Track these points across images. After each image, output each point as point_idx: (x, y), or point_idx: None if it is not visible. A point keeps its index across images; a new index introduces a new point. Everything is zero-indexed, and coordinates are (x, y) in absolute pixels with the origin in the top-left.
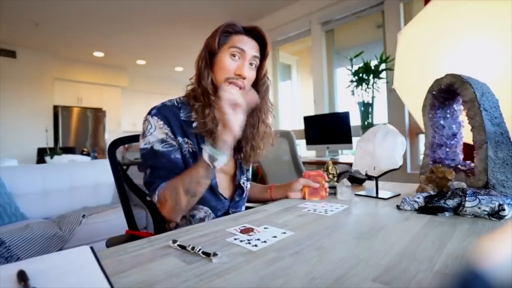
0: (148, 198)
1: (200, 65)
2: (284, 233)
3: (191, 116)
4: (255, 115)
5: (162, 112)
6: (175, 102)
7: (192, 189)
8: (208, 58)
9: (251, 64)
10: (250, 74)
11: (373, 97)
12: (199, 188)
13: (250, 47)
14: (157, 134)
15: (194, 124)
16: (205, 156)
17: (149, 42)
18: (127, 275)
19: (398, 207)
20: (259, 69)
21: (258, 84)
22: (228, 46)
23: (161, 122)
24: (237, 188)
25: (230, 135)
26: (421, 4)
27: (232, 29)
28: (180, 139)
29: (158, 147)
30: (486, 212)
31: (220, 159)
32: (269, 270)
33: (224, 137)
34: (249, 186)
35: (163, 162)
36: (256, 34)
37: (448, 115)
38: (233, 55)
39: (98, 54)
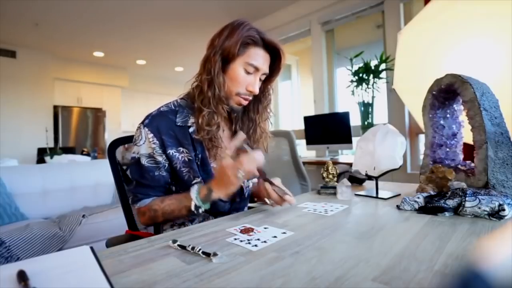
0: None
1: (212, 70)
2: (284, 233)
3: (188, 120)
4: (253, 118)
5: (156, 122)
6: (172, 106)
7: (170, 218)
8: (221, 64)
9: (260, 79)
10: (258, 89)
11: (373, 97)
12: (177, 218)
13: (263, 63)
14: (146, 148)
15: (191, 130)
16: (192, 204)
17: (149, 42)
18: (127, 275)
19: (398, 207)
20: (268, 82)
21: (263, 95)
22: (244, 60)
23: (151, 135)
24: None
25: (223, 194)
26: (421, 4)
27: (251, 40)
28: (171, 151)
29: (144, 161)
30: (486, 212)
31: (204, 208)
32: (269, 270)
33: (216, 194)
34: (251, 185)
35: (147, 178)
36: (272, 48)
37: (448, 115)
38: (247, 71)
39: (98, 54)
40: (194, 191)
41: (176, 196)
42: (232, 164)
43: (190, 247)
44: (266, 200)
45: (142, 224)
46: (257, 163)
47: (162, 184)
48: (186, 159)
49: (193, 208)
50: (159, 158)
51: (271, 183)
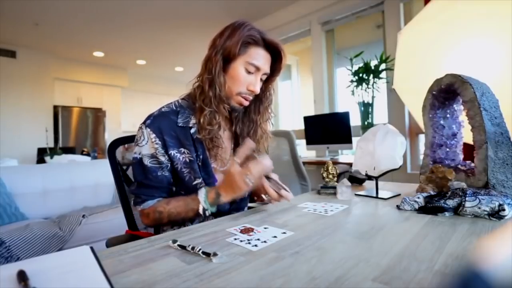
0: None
1: (213, 69)
2: (284, 233)
3: (189, 121)
4: (254, 118)
5: (157, 122)
6: (173, 106)
7: (175, 220)
8: (222, 63)
9: (260, 79)
10: (259, 89)
11: (373, 97)
12: (182, 221)
13: (264, 63)
14: (148, 148)
15: (193, 130)
16: (200, 207)
17: (149, 42)
18: (127, 275)
19: (398, 207)
20: (269, 82)
21: (264, 96)
22: (245, 59)
23: (153, 135)
24: None
25: (231, 198)
26: (421, 4)
27: (252, 39)
28: (173, 152)
29: (146, 161)
30: (486, 212)
31: (211, 211)
32: (269, 270)
33: (224, 198)
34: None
35: (150, 178)
36: (273, 48)
37: (448, 115)
38: (248, 71)
39: (98, 54)
40: (202, 195)
41: (182, 199)
42: (241, 170)
43: (190, 247)
44: (263, 196)
45: (145, 226)
46: (265, 169)
47: (165, 185)
48: (187, 159)
49: (200, 211)
50: (162, 158)
51: (269, 179)
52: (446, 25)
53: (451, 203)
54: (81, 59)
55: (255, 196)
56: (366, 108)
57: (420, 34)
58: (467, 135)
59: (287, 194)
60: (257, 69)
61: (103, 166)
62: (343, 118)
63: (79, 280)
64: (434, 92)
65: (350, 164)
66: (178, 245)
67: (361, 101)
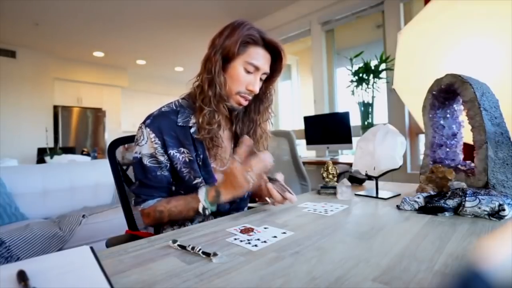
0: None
1: (212, 69)
2: (284, 233)
3: (189, 120)
4: (254, 118)
5: (157, 122)
6: (174, 106)
7: (176, 219)
8: (222, 63)
9: (260, 78)
10: (258, 89)
11: (373, 97)
12: (183, 220)
13: (264, 63)
14: (148, 148)
15: (193, 130)
16: (200, 205)
17: (149, 42)
18: (127, 275)
19: (398, 207)
20: (269, 82)
21: (265, 96)
22: (244, 59)
23: (153, 135)
24: None
25: (231, 197)
26: (421, 4)
27: (251, 39)
28: (172, 152)
29: (146, 161)
30: (486, 212)
31: (211, 210)
32: (269, 270)
33: (224, 196)
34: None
35: (150, 178)
36: (272, 48)
37: (448, 115)
38: (247, 70)
39: (98, 54)
40: (202, 193)
41: (182, 198)
42: (242, 167)
43: (190, 247)
44: (267, 199)
45: (146, 225)
46: (266, 165)
47: (165, 185)
48: (187, 159)
49: (200, 210)
50: (161, 158)
51: (273, 180)
52: (446, 25)
53: (451, 203)
54: (81, 59)
55: (256, 197)
56: (366, 108)
57: (420, 34)
58: (467, 135)
59: (292, 197)
60: (257, 68)
61: (103, 166)
62: (343, 118)
63: (79, 280)
64: (434, 92)
65: (350, 164)
66: (178, 245)
67: (361, 101)
